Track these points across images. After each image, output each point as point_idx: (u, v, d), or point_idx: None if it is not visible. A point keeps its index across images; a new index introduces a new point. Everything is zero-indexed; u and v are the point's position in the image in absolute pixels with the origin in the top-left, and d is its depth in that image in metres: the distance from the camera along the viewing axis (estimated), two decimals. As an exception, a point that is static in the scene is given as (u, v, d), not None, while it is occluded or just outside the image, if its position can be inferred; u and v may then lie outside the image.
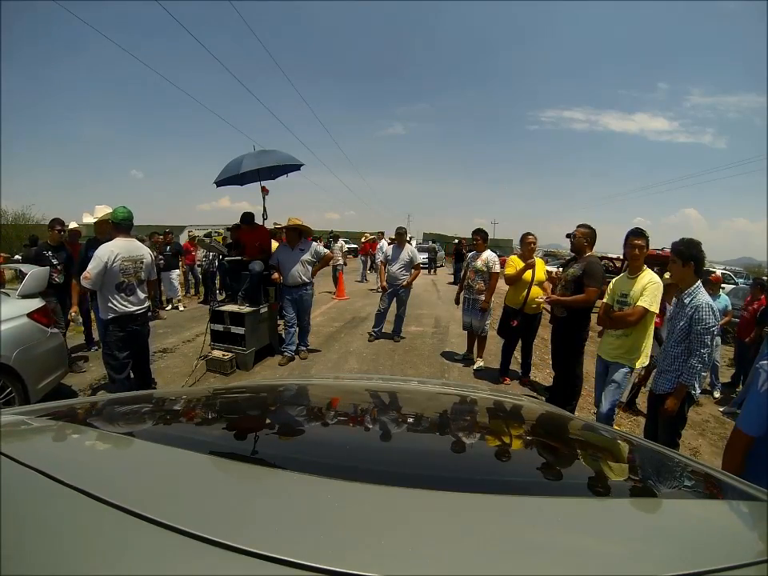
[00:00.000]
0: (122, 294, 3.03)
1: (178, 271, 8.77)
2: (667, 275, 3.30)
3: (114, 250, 2.99)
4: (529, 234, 4.44)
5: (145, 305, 3.21)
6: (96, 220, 3.90)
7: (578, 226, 3.61)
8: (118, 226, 3.11)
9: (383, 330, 6.06)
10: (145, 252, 3.22)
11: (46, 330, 3.28)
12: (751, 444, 1.45)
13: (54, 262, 4.42)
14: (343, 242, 11.57)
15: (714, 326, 2.26)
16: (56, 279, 4.33)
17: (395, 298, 5.79)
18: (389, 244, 7.02)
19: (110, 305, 3.00)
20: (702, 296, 2.30)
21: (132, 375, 3.27)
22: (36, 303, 3.34)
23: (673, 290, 3.04)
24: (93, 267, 2.91)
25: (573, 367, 3.64)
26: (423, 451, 0.84)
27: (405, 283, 5.65)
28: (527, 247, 4.38)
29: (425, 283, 13.21)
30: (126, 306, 3.05)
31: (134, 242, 3.19)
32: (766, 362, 1.42)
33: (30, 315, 3.17)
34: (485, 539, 0.46)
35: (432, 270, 17.79)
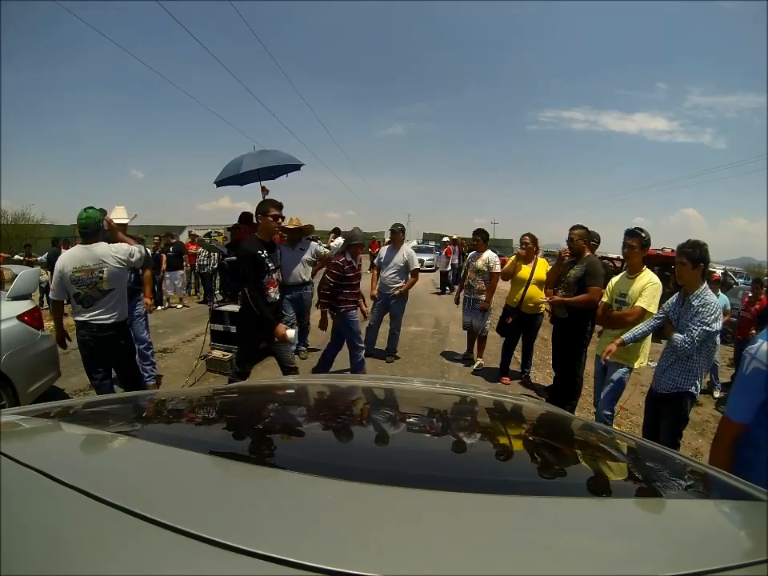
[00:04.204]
0: (80, 306, 2.82)
1: (182, 271, 8.80)
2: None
3: (64, 260, 2.79)
4: (524, 235, 4.47)
5: (103, 317, 2.83)
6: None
7: (573, 228, 3.57)
8: (80, 231, 2.83)
9: (376, 347, 5.14)
10: (109, 260, 2.80)
11: (37, 332, 3.21)
12: (739, 433, 1.40)
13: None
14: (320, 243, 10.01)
15: (721, 326, 2.31)
16: None
17: (387, 311, 4.97)
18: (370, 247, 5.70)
19: (74, 312, 2.87)
20: (710, 297, 2.33)
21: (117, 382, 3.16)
22: (26, 305, 3.26)
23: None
24: (53, 278, 2.87)
25: (574, 368, 3.64)
26: (423, 451, 0.84)
27: (396, 292, 4.80)
28: (521, 247, 4.43)
29: (425, 283, 13.20)
30: (82, 317, 2.82)
31: (94, 248, 2.80)
32: (751, 346, 1.40)
33: (20, 317, 3.09)
34: (485, 539, 0.46)
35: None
